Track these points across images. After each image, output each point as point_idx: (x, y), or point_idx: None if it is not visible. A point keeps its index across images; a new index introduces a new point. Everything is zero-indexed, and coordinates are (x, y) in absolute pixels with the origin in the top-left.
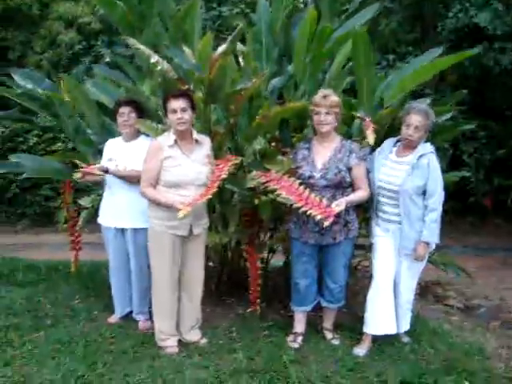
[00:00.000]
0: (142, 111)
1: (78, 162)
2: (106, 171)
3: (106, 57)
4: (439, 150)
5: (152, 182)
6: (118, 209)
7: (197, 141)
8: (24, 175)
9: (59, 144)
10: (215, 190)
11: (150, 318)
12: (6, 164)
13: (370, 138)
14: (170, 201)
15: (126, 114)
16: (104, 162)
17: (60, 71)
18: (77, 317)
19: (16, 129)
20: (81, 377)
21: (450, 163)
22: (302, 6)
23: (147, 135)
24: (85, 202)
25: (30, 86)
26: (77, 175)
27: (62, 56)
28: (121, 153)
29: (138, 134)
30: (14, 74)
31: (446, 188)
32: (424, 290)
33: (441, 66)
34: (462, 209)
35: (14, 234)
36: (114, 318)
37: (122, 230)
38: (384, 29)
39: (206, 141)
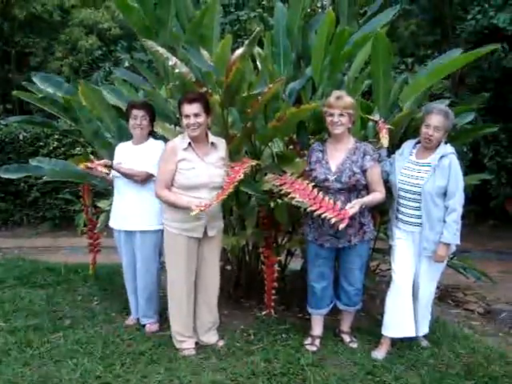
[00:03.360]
0: (154, 115)
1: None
2: (110, 166)
3: (124, 62)
4: (459, 154)
5: (167, 184)
6: (127, 212)
7: (212, 144)
8: (44, 178)
9: (79, 148)
10: (231, 190)
11: (159, 321)
12: (27, 167)
13: (384, 140)
14: (185, 202)
15: (139, 118)
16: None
17: (80, 77)
18: (95, 318)
19: (37, 133)
20: (98, 377)
21: (470, 167)
22: (319, 10)
23: (156, 138)
24: (103, 204)
25: (50, 89)
26: (80, 166)
27: (83, 61)
28: (130, 156)
29: (147, 136)
30: (35, 78)
31: (466, 191)
32: (444, 295)
33: (457, 64)
34: (483, 212)
35: (34, 237)
36: (131, 320)
37: (132, 233)
38: (403, 31)
39: (222, 144)
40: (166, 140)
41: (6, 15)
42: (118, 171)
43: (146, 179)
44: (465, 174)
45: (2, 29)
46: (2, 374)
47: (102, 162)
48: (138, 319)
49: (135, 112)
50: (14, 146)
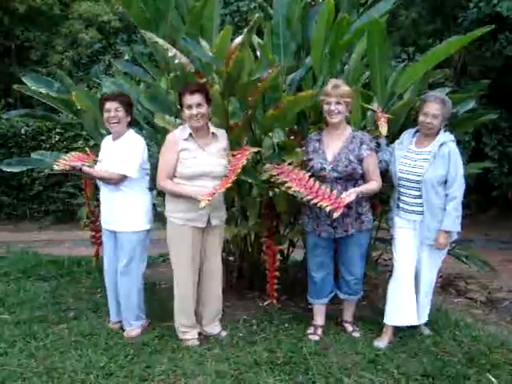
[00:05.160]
0: (130, 106)
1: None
2: (80, 170)
3: (124, 54)
4: (461, 143)
5: (169, 174)
6: (106, 211)
7: (213, 134)
8: (46, 171)
9: (81, 142)
10: (234, 178)
11: (143, 325)
12: (29, 161)
13: (383, 129)
14: (191, 192)
15: (112, 110)
16: (98, 163)
17: (81, 70)
18: (99, 310)
19: (39, 127)
20: (102, 368)
21: (472, 156)
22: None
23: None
24: None
25: (43, 89)
26: (56, 167)
27: (83, 55)
28: (108, 153)
29: (126, 129)
30: (26, 79)
31: (468, 180)
32: (446, 284)
33: (452, 48)
34: (485, 202)
35: (37, 231)
36: (112, 324)
37: (112, 232)
38: (404, 20)
39: (223, 134)
40: (166, 132)
41: (6, 8)
42: (89, 174)
43: (119, 180)
44: (467, 162)
45: (2, 22)
46: (7, 365)
47: (72, 164)
48: (119, 322)
49: (108, 105)
50: (16, 140)
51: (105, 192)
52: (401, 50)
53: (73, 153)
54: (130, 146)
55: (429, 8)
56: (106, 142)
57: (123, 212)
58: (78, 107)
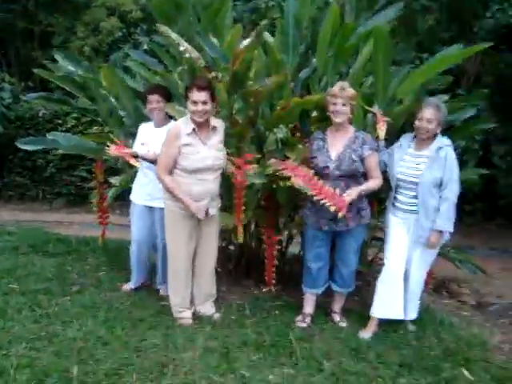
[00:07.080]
0: (169, 97)
1: (114, 139)
2: (136, 156)
3: (143, 44)
4: (468, 151)
5: (169, 167)
6: (150, 189)
7: (214, 127)
8: (58, 152)
9: (96, 127)
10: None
11: None
12: (44, 140)
13: (381, 132)
14: (187, 202)
15: (154, 102)
16: (137, 146)
17: (100, 57)
18: (101, 286)
19: (56, 111)
20: (100, 338)
21: (479, 164)
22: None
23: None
24: (115, 180)
25: (71, 67)
26: (109, 151)
27: (103, 42)
28: (152, 138)
29: (168, 118)
30: (57, 55)
31: (471, 187)
32: (439, 286)
33: (452, 60)
34: (490, 211)
35: (49, 213)
36: (127, 286)
37: (150, 208)
38: (421, 26)
39: (222, 126)
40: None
41: None
42: (144, 159)
43: None
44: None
45: (27, 7)
46: (14, 328)
47: (129, 151)
48: (135, 288)
49: (150, 97)
50: (33, 123)
51: (149, 173)
52: (415, 55)
53: (112, 145)
54: None
55: (446, 15)
56: (148, 129)
57: None
58: (94, 93)
